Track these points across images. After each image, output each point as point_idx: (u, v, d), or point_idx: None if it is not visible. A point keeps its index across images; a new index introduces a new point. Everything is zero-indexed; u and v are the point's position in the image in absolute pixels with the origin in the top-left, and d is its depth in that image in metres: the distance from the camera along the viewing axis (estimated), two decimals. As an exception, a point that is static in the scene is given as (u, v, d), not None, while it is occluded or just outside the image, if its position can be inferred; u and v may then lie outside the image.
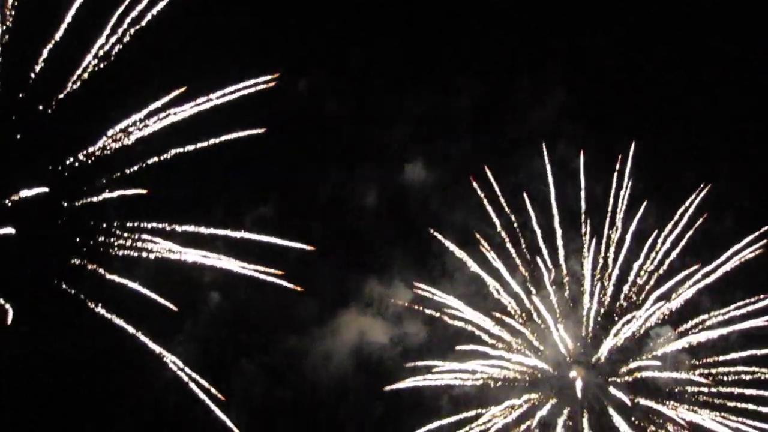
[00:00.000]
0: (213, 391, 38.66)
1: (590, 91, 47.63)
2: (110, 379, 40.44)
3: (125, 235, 38.48)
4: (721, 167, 46.57)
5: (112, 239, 38.51)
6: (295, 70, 43.95)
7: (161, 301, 38.02)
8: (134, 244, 38.42)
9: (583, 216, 44.10)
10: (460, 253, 43.34)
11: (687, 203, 44.00)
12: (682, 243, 43.76)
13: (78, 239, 38.74)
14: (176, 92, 38.03)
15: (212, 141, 39.05)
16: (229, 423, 38.56)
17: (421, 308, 42.99)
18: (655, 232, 43.89)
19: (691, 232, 43.71)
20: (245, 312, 42.20)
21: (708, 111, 47.72)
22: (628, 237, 43.92)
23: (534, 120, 45.58)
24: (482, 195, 43.99)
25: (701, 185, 44.06)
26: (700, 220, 43.83)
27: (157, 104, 37.96)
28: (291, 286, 40.45)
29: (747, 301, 42.98)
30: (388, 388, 41.43)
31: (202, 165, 40.01)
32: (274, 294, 40.70)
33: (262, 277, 39.03)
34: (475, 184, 43.87)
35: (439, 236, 43.33)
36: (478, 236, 43.27)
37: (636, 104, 47.77)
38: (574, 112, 46.72)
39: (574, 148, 44.61)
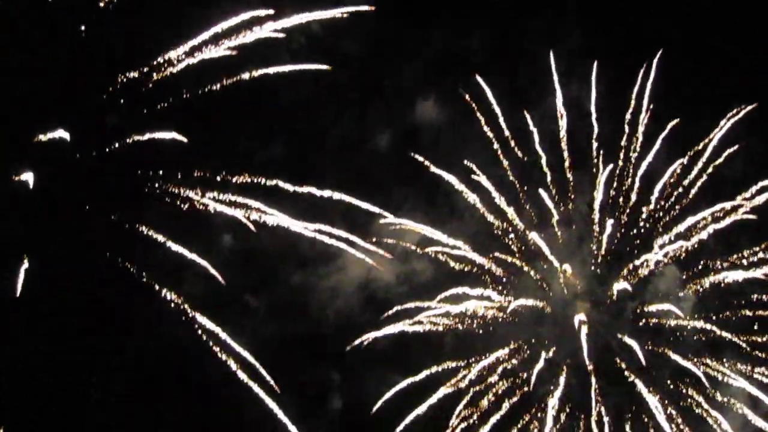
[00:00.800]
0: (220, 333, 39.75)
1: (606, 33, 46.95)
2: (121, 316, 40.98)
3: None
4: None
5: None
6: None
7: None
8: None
9: (595, 126, 44.03)
10: (467, 193, 43.55)
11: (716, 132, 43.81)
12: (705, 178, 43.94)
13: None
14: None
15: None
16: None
17: (425, 250, 43.19)
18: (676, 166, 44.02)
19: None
20: (252, 251, 42.10)
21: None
22: (644, 166, 44.03)
23: (547, 60, 44.86)
24: (491, 134, 44.25)
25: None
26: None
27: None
28: (298, 223, 41.69)
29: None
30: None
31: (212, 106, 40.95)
32: (281, 231, 41.62)
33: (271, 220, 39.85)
34: (484, 124, 44.08)
35: (447, 175, 43.58)
36: (475, 169, 43.36)
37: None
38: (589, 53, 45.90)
39: (587, 88, 44.55)
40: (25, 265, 36.76)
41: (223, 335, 39.68)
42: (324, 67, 39.61)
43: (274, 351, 42.19)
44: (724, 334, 42.69)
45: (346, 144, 45.08)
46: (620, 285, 43.51)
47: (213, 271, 39.46)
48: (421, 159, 43.20)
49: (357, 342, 41.79)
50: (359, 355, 42.22)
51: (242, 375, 39.48)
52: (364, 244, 40.37)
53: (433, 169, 43.29)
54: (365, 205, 40.71)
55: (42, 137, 37.22)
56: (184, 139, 38.34)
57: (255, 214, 39.59)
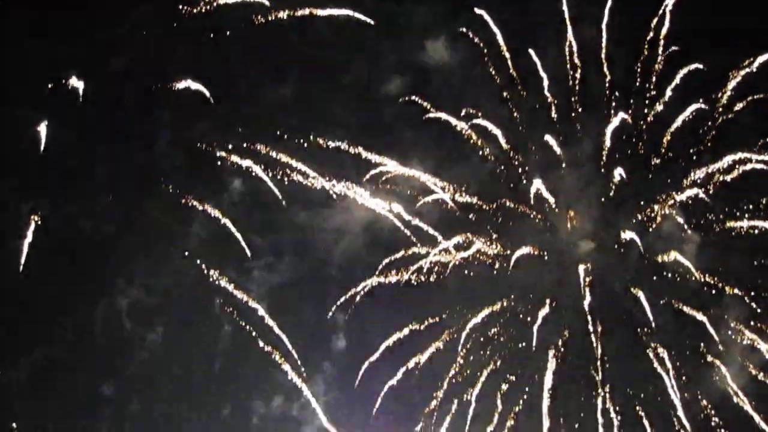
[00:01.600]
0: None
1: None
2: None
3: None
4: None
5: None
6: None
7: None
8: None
9: (606, 71, 43.42)
10: (474, 137, 43.14)
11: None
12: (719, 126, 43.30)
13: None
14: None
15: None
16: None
17: (428, 198, 42.95)
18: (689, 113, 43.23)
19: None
20: (260, 193, 42.07)
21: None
22: (656, 113, 43.58)
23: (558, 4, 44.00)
24: (500, 78, 43.73)
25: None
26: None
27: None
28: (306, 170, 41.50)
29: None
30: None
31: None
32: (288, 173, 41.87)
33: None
34: (493, 68, 43.60)
35: (454, 120, 43.12)
36: (474, 113, 43.06)
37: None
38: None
39: (599, 33, 43.60)
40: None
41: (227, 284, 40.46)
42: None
43: (278, 291, 42.90)
44: (728, 286, 42.98)
45: (355, 86, 44.63)
46: (626, 230, 43.45)
47: (218, 214, 39.94)
48: (426, 104, 42.92)
49: (360, 287, 42.17)
50: (364, 298, 42.48)
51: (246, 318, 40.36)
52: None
53: (439, 114, 42.97)
54: (374, 157, 40.83)
55: (55, 85, 37.23)
56: (201, 88, 38.52)
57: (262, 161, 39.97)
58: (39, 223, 38.00)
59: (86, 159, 39.66)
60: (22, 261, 37.46)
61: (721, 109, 43.05)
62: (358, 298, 42.20)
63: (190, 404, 41.51)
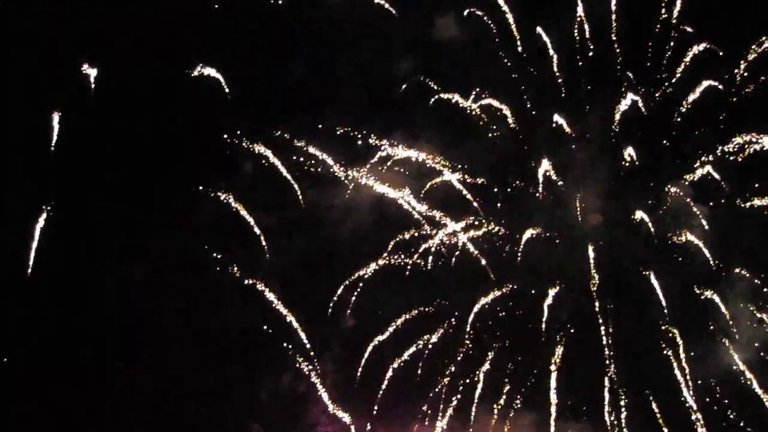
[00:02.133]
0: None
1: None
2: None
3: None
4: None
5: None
6: None
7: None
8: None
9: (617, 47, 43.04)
10: (484, 117, 42.89)
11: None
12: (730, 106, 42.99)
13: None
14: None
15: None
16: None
17: (435, 181, 42.78)
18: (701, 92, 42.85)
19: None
20: (268, 174, 42.09)
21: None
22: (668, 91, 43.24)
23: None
24: (509, 56, 43.43)
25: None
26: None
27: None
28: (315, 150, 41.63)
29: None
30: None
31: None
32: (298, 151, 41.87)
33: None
34: (502, 46, 43.23)
35: (461, 99, 42.83)
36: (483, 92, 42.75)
37: None
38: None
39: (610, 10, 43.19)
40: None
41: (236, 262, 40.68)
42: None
43: (287, 269, 42.92)
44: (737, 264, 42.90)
45: (365, 66, 44.17)
46: (636, 210, 43.32)
47: (228, 195, 40.11)
48: (435, 86, 42.67)
49: (368, 268, 42.24)
50: (372, 277, 42.56)
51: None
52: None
53: (448, 94, 42.71)
54: (383, 137, 40.78)
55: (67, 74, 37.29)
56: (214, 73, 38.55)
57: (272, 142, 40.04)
58: (50, 212, 38.10)
59: (99, 147, 39.61)
60: (32, 254, 37.68)
61: (733, 89, 42.75)
62: (366, 276, 42.35)
63: (198, 381, 41.70)
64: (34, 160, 38.18)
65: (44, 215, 37.56)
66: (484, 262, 42.26)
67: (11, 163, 37.90)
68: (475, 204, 42.54)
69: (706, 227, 42.88)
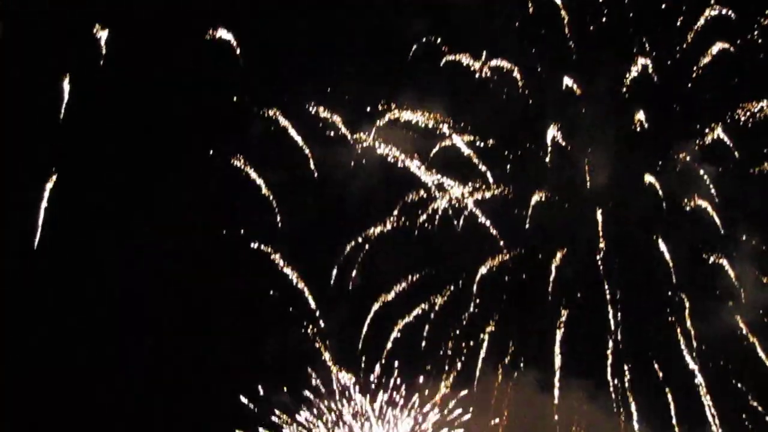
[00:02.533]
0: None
1: None
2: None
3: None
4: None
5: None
6: None
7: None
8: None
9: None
10: (493, 79, 42.67)
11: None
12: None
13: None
14: None
15: None
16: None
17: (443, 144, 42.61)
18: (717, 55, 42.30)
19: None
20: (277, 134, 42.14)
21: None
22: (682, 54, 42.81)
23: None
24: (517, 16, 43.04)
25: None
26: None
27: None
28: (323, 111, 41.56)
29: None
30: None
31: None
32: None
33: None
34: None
35: (472, 61, 42.50)
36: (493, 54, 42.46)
37: None
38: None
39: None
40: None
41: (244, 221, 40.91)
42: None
43: (294, 228, 43.13)
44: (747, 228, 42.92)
45: (376, 27, 43.76)
46: (646, 173, 43.20)
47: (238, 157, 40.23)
48: (444, 47, 42.35)
49: (375, 229, 42.37)
50: (379, 238, 42.73)
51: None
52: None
53: (458, 56, 42.39)
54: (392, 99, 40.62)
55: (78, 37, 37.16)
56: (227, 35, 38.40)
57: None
58: (56, 181, 38.25)
59: (109, 111, 39.59)
60: (40, 225, 37.87)
61: (745, 54, 42.23)
62: (373, 237, 42.51)
63: (205, 340, 42.10)
64: (44, 125, 38.23)
65: (52, 182, 37.77)
66: (490, 225, 42.38)
67: (20, 128, 37.95)
68: (482, 167, 42.51)
69: (715, 191, 42.87)
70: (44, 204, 37.71)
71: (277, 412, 41.23)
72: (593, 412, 43.08)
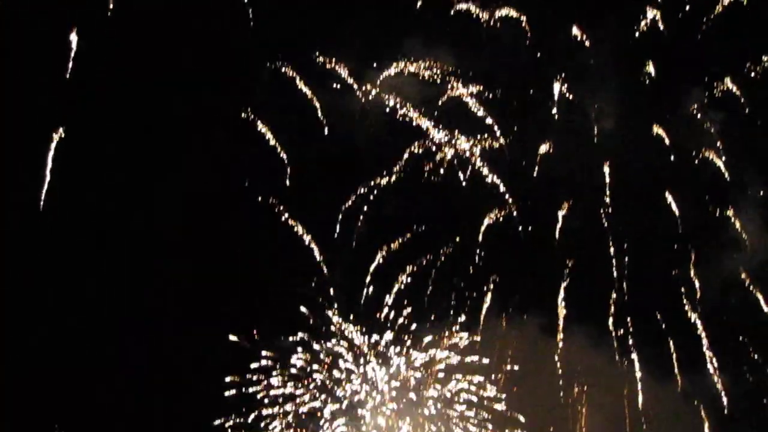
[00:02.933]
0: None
1: None
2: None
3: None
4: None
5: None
6: None
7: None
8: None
9: None
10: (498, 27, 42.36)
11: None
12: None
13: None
14: None
15: None
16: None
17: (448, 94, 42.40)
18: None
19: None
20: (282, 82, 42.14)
21: None
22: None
23: None
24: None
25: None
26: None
27: None
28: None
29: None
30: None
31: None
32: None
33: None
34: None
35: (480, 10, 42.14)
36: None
37: None
38: None
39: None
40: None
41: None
42: None
43: (300, 174, 43.19)
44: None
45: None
46: (654, 126, 43.02)
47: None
48: None
49: (381, 179, 42.56)
50: (385, 188, 42.92)
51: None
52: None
53: (465, 5, 42.01)
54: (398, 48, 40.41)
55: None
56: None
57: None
58: (63, 137, 38.47)
59: (117, 66, 39.63)
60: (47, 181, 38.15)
61: (756, 5, 41.50)
62: (378, 187, 42.73)
63: (211, 287, 42.49)
64: (50, 81, 38.35)
65: (57, 138, 38.03)
66: (495, 176, 42.47)
67: (25, 84, 38.10)
68: (489, 119, 42.43)
69: (722, 143, 42.73)
70: (50, 159, 38.12)
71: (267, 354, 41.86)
72: (596, 358, 43.65)
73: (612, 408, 43.15)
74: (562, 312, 42.88)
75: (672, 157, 43.02)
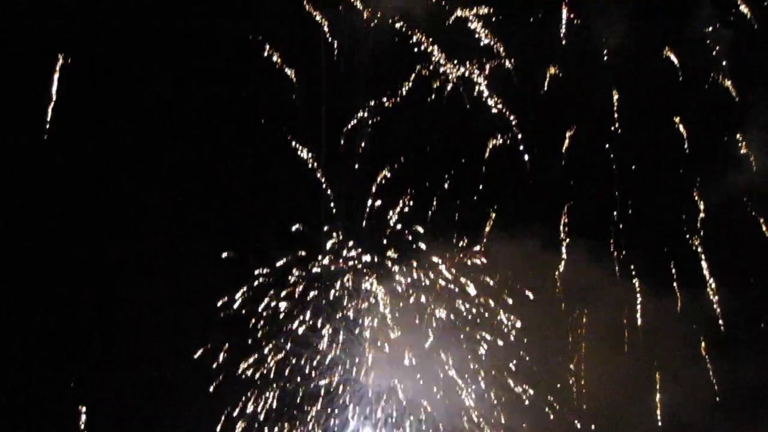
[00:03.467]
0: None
1: None
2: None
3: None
4: None
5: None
6: None
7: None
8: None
9: None
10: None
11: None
12: None
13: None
14: None
15: None
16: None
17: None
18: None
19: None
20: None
21: None
22: None
23: None
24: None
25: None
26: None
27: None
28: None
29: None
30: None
31: None
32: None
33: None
34: None
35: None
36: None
37: None
38: None
39: None
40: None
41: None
42: None
43: (306, 85, 42.41)
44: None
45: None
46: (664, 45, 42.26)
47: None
48: None
49: (385, 99, 42.11)
50: (388, 108, 42.46)
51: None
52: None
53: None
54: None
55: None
56: None
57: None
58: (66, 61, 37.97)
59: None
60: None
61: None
62: (381, 108, 42.36)
63: (215, 207, 41.98)
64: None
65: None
66: (500, 99, 42.10)
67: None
68: (495, 40, 41.72)
69: (731, 63, 42.19)
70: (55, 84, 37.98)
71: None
72: (596, 272, 44.21)
73: (611, 325, 44.06)
74: (564, 227, 43.24)
75: (681, 77, 42.59)
